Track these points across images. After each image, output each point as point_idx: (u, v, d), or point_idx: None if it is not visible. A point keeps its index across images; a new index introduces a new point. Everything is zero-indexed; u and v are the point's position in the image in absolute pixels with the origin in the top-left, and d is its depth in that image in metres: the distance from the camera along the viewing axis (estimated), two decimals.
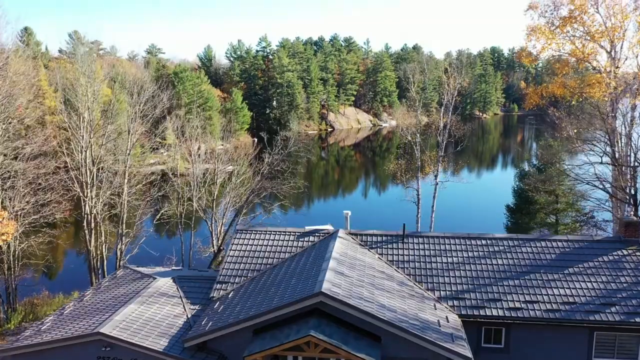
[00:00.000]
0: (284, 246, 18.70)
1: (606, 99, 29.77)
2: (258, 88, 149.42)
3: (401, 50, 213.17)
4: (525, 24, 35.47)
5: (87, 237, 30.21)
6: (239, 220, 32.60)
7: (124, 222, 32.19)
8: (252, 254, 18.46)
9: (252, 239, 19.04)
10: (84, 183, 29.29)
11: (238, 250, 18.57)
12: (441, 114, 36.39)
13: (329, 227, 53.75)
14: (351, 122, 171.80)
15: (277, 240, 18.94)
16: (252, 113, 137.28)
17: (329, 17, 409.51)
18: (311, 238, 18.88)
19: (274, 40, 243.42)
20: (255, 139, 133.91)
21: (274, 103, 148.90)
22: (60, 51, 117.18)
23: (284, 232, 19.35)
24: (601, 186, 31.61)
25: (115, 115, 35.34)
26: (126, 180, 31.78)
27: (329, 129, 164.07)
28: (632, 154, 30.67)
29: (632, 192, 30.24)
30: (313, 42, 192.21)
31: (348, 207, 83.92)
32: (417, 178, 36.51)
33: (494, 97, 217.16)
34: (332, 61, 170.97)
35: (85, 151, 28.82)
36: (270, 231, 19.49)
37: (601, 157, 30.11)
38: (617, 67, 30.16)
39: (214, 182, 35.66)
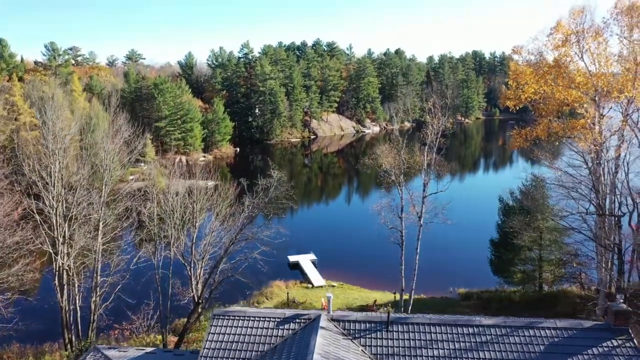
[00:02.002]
0: (264, 335, 17.84)
1: (591, 149, 29.40)
2: (240, 96, 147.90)
3: (384, 55, 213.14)
4: (511, 68, 35.17)
5: (59, 293, 28.99)
6: (218, 272, 31.58)
7: (98, 272, 31.00)
8: (230, 345, 17.58)
9: (230, 326, 18.16)
10: (55, 239, 28.07)
11: (215, 342, 17.69)
12: (424, 154, 35.75)
13: (311, 256, 52.71)
14: (334, 129, 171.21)
15: (256, 327, 18.08)
16: (234, 122, 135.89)
17: (312, 22, 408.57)
18: (292, 325, 18.07)
19: (257, 46, 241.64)
20: (238, 149, 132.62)
21: (257, 111, 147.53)
22: (36, 63, 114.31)
23: (263, 317, 18.48)
24: (587, 233, 31.33)
25: (90, 156, 33.89)
26: (100, 229, 30.60)
27: (312, 137, 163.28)
28: (617, 202, 30.43)
29: (617, 240, 30.01)
30: (295, 47, 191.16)
31: (331, 221, 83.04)
32: (401, 219, 35.86)
33: (476, 102, 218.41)
34: (314, 67, 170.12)
35: (56, 207, 27.60)
36: (249, 316, 18.59)
37: (586, 208, 29.81)
38: (602, 116, 29.85)
39: (193, 225, 34.52)
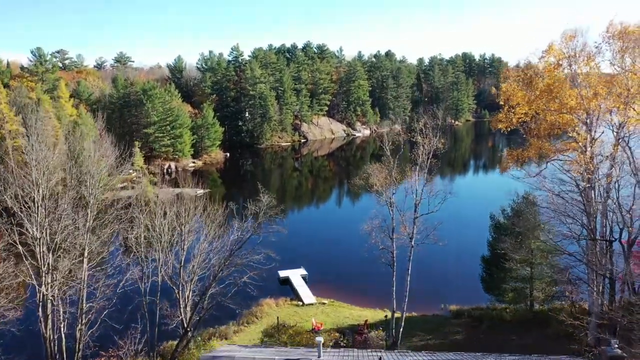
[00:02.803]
0: None
1: (583, 172, 29.22)
2: (230, 100, 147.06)
3: (374, 57, 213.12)
4: (502, 89, 34.90)
5: (43, 324, 28.27)
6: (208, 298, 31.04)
7: (84, 300, 30.30)
8: None
9: None
10: (39, 270, 27.35)
11: None
12: (416, 174, 35.42)
13: (301, 271, 52.23)
14: (324, 133, 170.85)
15: None
16: (224, 126, 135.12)
17: (303, 25, 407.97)
18: None
19: (247, 49, 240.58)
20: (228, 154, 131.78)
21: (247, 115, 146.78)
22: (22, 68, 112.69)
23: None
24: (579, 256, 31.16)
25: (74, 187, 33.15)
26: (86, 256, 29.90)
27: (303, 140, 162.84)
28: (608, 227, 30.30)
29: (609, 266, 29.85)
30: (286, 49, 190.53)
31: (322, 229, 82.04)
32: (392, 240, 35.54)
33: (466, 104, 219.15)
34: (305, 71, 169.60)
35: (40, 237, 26.87)
36: None
37: (578, 234, 29.64)
38: (594, 139, 29.68)
39: (182, 247, 33.89)
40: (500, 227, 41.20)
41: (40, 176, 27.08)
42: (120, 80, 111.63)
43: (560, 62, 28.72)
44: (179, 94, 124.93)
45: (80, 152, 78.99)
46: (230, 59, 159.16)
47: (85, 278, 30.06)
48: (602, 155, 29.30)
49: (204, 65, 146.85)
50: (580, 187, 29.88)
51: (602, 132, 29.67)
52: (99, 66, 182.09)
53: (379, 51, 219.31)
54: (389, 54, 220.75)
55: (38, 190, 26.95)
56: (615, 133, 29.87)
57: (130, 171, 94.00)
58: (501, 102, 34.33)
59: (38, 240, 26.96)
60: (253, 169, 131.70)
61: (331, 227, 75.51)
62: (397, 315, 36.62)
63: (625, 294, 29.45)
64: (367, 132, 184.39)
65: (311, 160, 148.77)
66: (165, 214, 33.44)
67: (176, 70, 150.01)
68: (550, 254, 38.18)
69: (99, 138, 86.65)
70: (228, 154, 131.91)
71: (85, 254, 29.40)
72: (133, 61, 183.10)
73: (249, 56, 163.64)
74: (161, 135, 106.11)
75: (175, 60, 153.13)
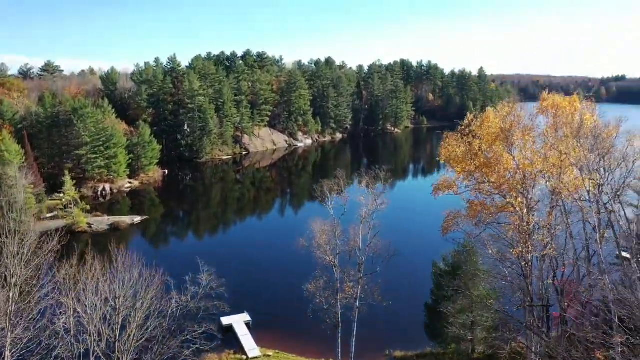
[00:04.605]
0: None
1: (519, 238, 29.95)
2: (168, 113, 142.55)
3: (314, 65, 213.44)
4: (443, 154, 35.28)
5: None
6: None
7: None
8: None
9: None
10: None
11: None
12: (359, 233, 35.26)
13: (245, 317, 51.02)
14: (266, 144, 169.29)
15: None
16: (162, 141, 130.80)
17: (242, 32, 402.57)
18: None
19: (185, 55, 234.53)
20: (166, 171, 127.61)
21: (186, 129, 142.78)
22: None
23: None
24: (519, 318, 31.97)
25: None
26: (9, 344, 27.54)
27: (244, 153, 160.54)
28: (544, 291, 31.26)
29: (545, 329, 30.81)
30: (225, 57, 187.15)
31: (265, 246, 79.29)
32: (337, 301, 35.24)
33: (405, 111, 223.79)
34: (245, 81, 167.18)
35: None
36: None
37: (519, 302, 30.34)
38: (531, 208, 30.48)
39: (117, 322, 31.97)
40: (441, 274, 41.82)
41: None
42: (47, 98, 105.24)
43: (499, 136, 29.22)
44: (113, 110, 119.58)
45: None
46: (167, 68, 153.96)
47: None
48: (538, 223, 30.11)
49: (139, 78, 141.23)
50: (518, 251, 30.60)
51: (539, 201, 30.50)
52: (24, 74, 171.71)
53: (319, 59, 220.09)
54: (329, 61, 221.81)
55: None
56: (550, 200, 30.85)
57: (61, 195, 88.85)
58: (441, 161, 34.69)
59: None
60: (193, 184, 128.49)
61: (275, 246, 73.91)
62: None
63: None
64: (309, 141, 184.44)
65: (253, 172, 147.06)
66: (97, 290, 31.44)
67: (109, 82, 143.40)
68: (491, 300, 39.14)
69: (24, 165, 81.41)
70: (166, 171, 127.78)
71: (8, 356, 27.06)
72: (62, 70, 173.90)
73: (187, 66, 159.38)
74: (94, 156, 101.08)
75: (107, 72, 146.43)
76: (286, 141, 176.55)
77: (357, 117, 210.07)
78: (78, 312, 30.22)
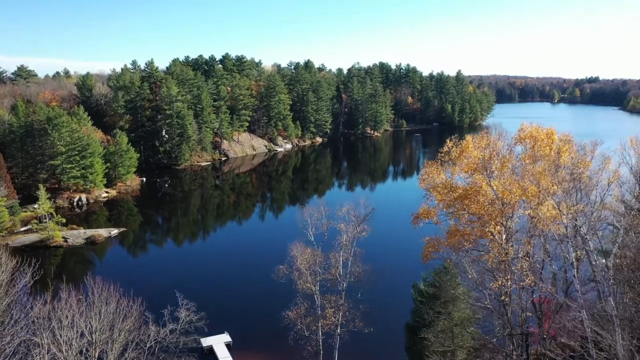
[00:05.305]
0: None
1: (499, 267, 30.25)
2: (145, 120, 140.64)
3: (294, 69, 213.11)
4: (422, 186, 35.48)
5: None
6: None
7: None
8: None
9: None
10: None
11: None
12: (339, 257, 35.22)
13: (225, 337, 50.53)
14: (246, 149, 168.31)
15: None
16: (140, 148, 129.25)
17: (220, 36, 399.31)
18: None
19: (163, 61, 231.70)
20: (144, 179, 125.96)
21: (164, 135, 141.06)
22: None
23: None
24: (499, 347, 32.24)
25: None
26: None
27: (223, 158, 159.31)
28: (523, 319, 31.62)
29: (524, 357, 31.16)
30: (204, 61, 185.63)
31: (245, 253, 77.49)
32: (318, 328, 35.15)
33: (384, 114, 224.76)
34: (224, 85, 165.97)
35: None
36: None
37: (498, 331, 30.64)
38: (510, 237, 30.80)
39: (94, 356, 31.35)
40: (422, 300, 41.91)
41: None
42: (21, 107, 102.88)
43: (477, 167, 29.45)
44: (89, 117, 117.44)
45: None
46: (144, 72, 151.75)
47: None
48: (517, 254, 30.43)
49: (115, 83, 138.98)
50: (498, 280, 30.92)
51: (517, 231, 30.82)
52: None
53: (298, 62, 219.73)
54: (308, 65, 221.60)
55: None
56: (528, 228, 31.21)
57: (35, 206, 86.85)
58: (421, 188, 34.83)
59: None
60: (172, 192, 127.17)
61: (255, 257, 73.32)
62: None
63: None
64: (288, 146, 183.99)
65: (233, 177, 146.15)
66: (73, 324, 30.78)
67: (85, 88, 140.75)
68: (470, 323, 39.44)
69: None
70: (144, 178, 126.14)
71: None
72: (36, 74, 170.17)
73: (165, 71, 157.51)
74: (69, 166, 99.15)
75: (83, 77, 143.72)
76: (266, 146, 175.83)
77: (336, 121, 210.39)
78: (53, 351, 29.57)
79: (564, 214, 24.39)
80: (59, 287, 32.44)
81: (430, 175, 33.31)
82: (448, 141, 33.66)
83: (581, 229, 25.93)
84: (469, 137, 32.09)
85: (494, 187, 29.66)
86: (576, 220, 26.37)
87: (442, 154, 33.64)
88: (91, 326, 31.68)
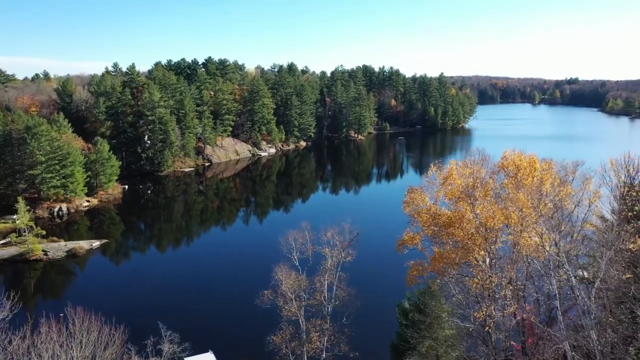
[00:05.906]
0: None
1: (483, 293, 30.45)
2: (127, 126, 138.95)
3: (277, 72, 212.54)
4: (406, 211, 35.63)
5: None
6: None
7: None
8: None
9: None
10: None
11: None
12: (324, 281, 35.14)
13: (209, 356, 49.91)
14: (230, 154, 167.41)
15: None
16: (121, 154, 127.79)
17: (203, 39, 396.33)
18: None
19: (144, 64, 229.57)
20: (126, 186, 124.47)
21: (146, 141, 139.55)
22: None
23: None
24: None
25: None
26: None
27: (207, 164, 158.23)
28: (507, 345, 31.86)
29: None
30: (186, 64, 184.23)
31: (229, 263, 76.02)
32: (304, 352, 35.02)
33: (368, 118, 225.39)
34: (207, 90, 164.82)
35: None
36: None
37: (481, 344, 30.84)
38: (491, 265, 31.01)
39: None
40: (407, 319, 42.05)
41: None
42: None
43: (461, 196, 29.59)
44: (69, 123, 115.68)
45: None
46: (125, 79, 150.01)
47: None
48: (501, 281, 30.64)
49: (97, 89, 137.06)
50: (482, 307, 31.11)
51: (501, 257, 31.04)
52: None
53: (282, 65, 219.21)
54: (292, 68, 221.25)
55: None
56: (512, 253, 31.46)
57: (14, 217, 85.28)
58: (405, 213, 34.90)
59: None
60: (155, 198, 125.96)
61: (239, 268, 72.74)
62: None
63: None
64: (272, 150, 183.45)
65: (216, 183, 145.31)
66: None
67: (65, 94, 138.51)
68: (455, 341, 39.68)
69: None
70: (127, 186, 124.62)
71: None
72: (15, 78, 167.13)
73: (147, 76, 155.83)
74: (49, 175, 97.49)
75: (63, 83, 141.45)
76: (250, 151, 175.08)
77: (320, 125, 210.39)
78: None
79: (546, 249, 24.61)
80: (39, 319, 31.83)
81: (415, 201, 33.39)
82: (432, 166, 33.78)
83: (564, 261, 26.18)
84: (452, 163, 32.25)
85: (478, 214, 29.84)
86: (558, 250, 26.65)
87: (427, 179, 33.80)
88: (72, 358, 31.14)
